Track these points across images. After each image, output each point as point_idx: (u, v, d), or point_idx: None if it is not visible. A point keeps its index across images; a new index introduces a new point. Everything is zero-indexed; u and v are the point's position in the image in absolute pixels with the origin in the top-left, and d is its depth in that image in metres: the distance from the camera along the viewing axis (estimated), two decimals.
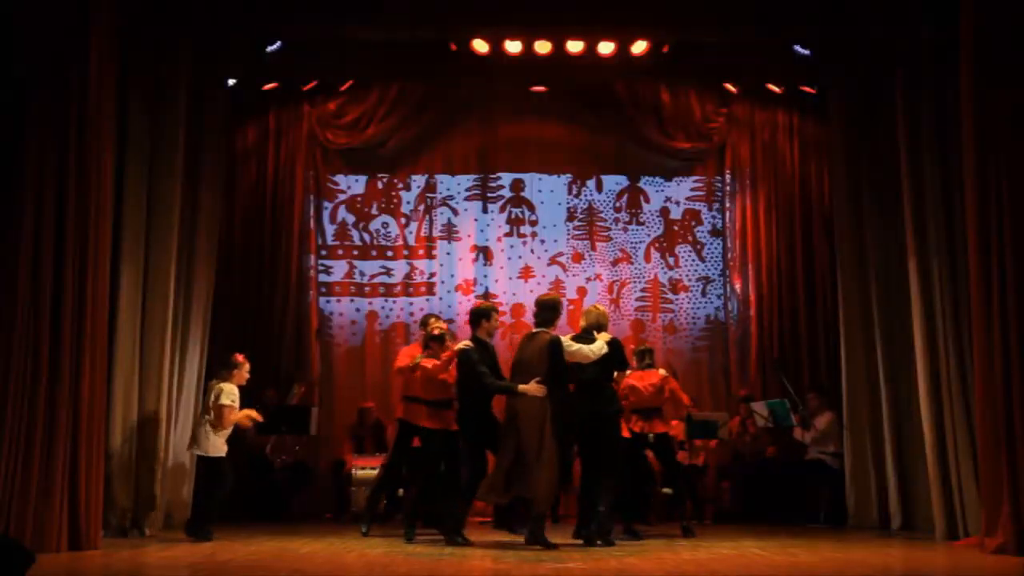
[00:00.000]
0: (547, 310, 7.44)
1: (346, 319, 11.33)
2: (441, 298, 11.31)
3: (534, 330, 7.45)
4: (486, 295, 11.24)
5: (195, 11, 8.55)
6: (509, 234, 11.46)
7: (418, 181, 11.51)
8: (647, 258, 11.48)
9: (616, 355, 7.49)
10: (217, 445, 7.71)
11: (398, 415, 8.05)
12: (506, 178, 11.54)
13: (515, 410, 7.11)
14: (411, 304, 11.34)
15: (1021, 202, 6.88)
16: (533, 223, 11.49)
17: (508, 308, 11.23)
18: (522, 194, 11.53)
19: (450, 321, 11.19)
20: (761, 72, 10.45)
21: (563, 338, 7.32)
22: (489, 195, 11.49)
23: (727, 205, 11.49)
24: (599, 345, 7.36)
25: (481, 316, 7.61)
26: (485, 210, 11.47)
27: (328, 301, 11.35)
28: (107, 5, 7.26)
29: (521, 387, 7.05)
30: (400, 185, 11.51)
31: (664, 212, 11.54)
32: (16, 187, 6.75)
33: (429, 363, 7.69)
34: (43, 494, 6.58)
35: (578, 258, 11.45)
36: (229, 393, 7.72)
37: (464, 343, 7.50)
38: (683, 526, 8.09)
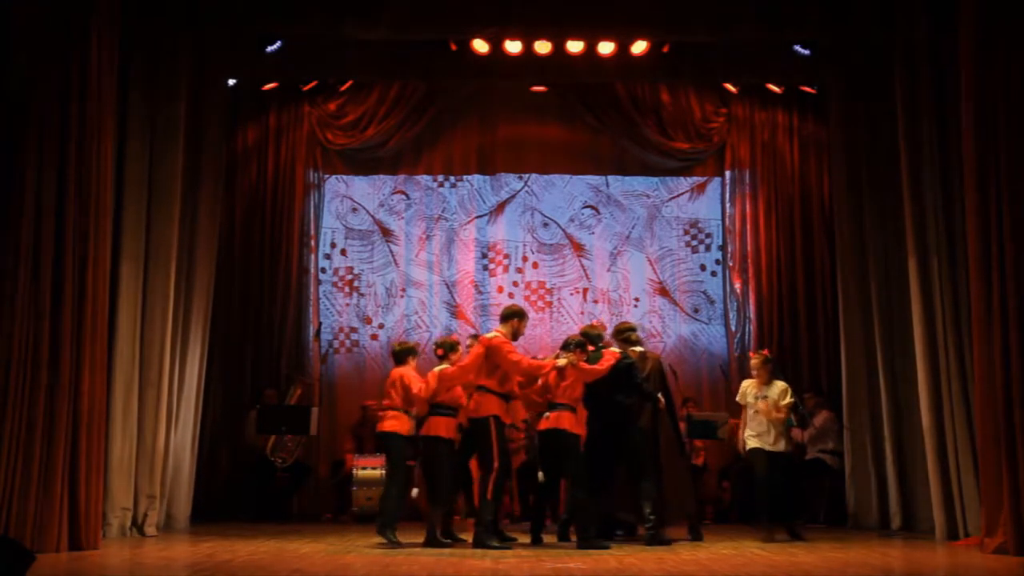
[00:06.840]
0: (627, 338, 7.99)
1: (346, 320, 11.32)
2: (441, 298, 11.30)
3: (639, 351, 7.87)
4: (485, 296, 11.25)
5: (196, 11, 8.56)
6: (509, 234, 11.45)
7: (418, 181, 11.51)
8: (647, 258, 11.47)
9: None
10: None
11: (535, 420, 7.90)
12: (506, 178, 11.54)
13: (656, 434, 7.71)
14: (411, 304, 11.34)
15: (1021, 201, 6.88)
16: (533, 223, 11.48)
17: None
18: (522, 194, 11.53)
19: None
20: (761, 72, 10.44)
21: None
22: (489, 195, 11.49)
23: (727, 205, 11.49)
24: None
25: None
26: (485, 210, 11.46)
27: (328, 301, 11.34)
28: (108, 4, 7.26)
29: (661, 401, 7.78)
30: (400, 185, 11.50)
31: (663, 212, 11.53)
32: (16, 184, 6.75)
33: (599, 365, 7.58)
34: (43, 494, 6.58)
35: (578, 258, 11.45)
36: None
37: (615, 349, 7.72)
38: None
